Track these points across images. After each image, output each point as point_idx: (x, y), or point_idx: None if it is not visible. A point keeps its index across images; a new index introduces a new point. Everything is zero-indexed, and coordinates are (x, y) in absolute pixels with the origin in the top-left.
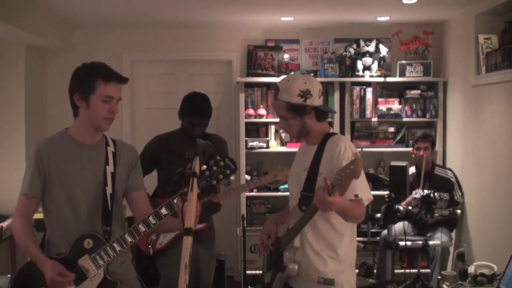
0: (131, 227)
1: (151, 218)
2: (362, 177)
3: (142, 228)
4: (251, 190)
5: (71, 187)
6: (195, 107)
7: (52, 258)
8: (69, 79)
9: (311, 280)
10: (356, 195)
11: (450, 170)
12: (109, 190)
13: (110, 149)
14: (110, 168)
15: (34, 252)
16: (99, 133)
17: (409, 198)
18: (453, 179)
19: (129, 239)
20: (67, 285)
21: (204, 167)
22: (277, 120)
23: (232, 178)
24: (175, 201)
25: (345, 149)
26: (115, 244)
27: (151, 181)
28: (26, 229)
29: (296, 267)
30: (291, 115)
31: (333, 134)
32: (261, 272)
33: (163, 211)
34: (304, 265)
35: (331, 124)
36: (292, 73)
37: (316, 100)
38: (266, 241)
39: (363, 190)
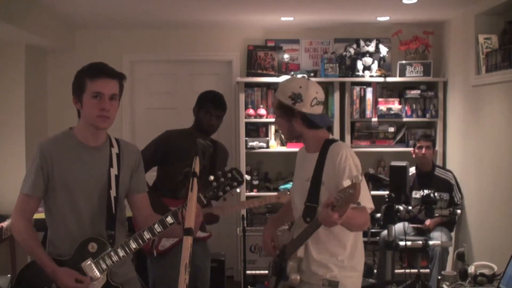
0: (136, 234)
1: (156, 226)
2: (364, 186)
3: (147, 235)
4: (251, 190)
5: (73, 189)
6: (212, 97)
7: (54, 260)
8: (69, 79)
9: (313, 284)
10: (358, 203)
11: (450, 172)
12: (113, 193)
13: (114, 150)
14: (114, 171)
15: (41, 257)
16: (102, 134)
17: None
18: (452, 181)
19: (133, 246)
20: None
21: (212, 178)
22: None
23: (238, 190)
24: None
25: (346, 157)
26: (119, 250)
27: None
28: (29, 230)
29: (298, 277)
30: (279, 113)
31: (334, 141)
32: (260, 272)
33: (169, 220)
34: (308, 274)
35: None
36: (292, 73)
37: (306, 107)
38: (270, 245)
39: (365, 199)
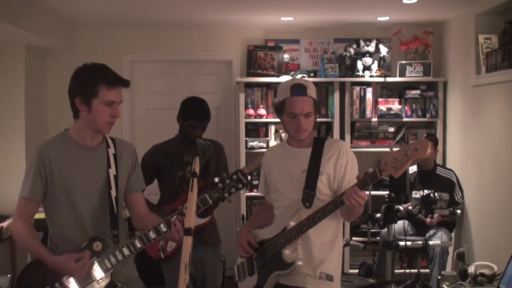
0: (141, 234)
1: (162, 226)
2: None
3: (152, 235)
4: (251, 190)
5: (73, 190)
6: (197, 110)
7: None
8: (69, 79)
9: (310, 275)
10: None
11: (452, 170)
12: (113, 193)
13: (111, 151)
14: (112, 171)
15: (42, 252)
16: (99, 135)
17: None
18: (454, 180)
19: (138, 245)
20: (88, 263)
21: (217, 179)
22: (277, 120)
23: (242, 192)
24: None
25: (347, 150)
26: (124, 249)
27: (152, 188)
28: (29, 231)
29: (301, 263)
30: (314, 110)
31: (324, 137)
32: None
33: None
34: (307, 261)
35: (331, 124)
36: (292, 73)
37: None
38: (247, 247)
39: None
